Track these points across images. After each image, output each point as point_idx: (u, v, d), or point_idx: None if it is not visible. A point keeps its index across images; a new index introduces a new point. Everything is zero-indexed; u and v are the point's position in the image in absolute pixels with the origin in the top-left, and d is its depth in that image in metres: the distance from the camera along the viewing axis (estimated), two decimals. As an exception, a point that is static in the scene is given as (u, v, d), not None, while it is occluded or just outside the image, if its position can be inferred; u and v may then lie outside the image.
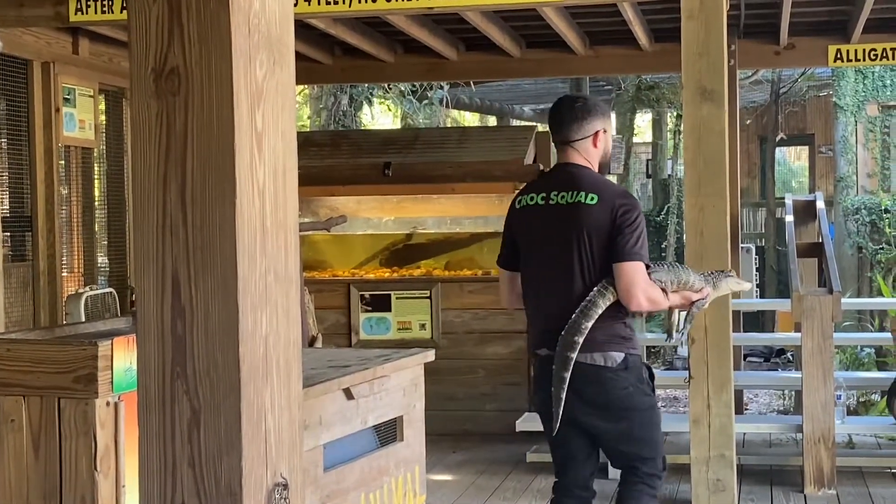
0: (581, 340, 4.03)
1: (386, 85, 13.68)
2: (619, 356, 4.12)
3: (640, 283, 4.02)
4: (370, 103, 14.55)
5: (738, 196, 8.67)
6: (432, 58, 8.85)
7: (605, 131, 4.28)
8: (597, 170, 4.27)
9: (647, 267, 4.10)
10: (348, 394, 4.21)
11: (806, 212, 8.36)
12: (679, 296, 4.22)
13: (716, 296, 4.43)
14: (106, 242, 8.08)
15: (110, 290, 7.34)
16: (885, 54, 8.38)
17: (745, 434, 7.47)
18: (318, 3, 5.84)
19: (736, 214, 8.32)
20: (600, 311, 4.05)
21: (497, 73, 9.76)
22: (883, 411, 7.95)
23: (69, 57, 7.47)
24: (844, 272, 13.52)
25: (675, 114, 16.77)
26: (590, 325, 4.03)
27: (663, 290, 4.13)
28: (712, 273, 4.45)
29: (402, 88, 14.32)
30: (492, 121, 20.13)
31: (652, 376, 4.29)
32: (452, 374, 8.10)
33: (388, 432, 4.61)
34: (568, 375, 4.04)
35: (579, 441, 4.29)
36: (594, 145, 4.25)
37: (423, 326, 8.31)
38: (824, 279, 7.06)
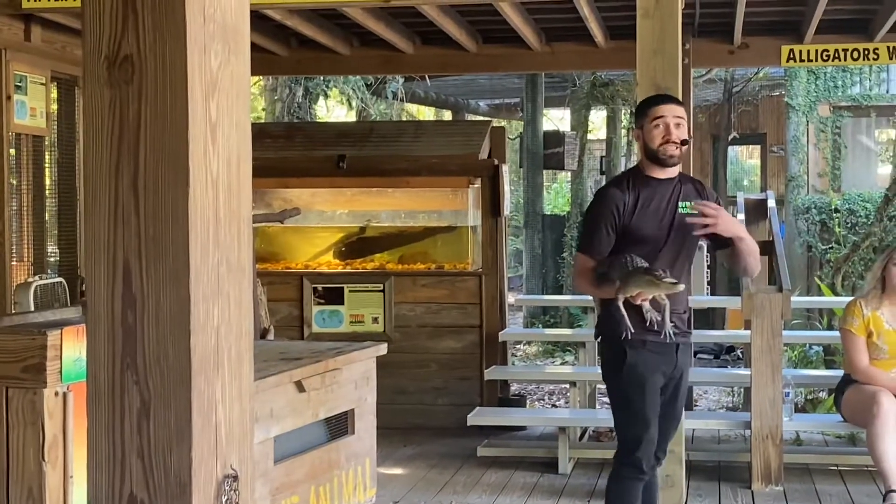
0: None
1: (342, 78, 13.64)
2: (596, 332, 4.63)
3: (574, 271, 4.64)
4: (326, 96, 14.50)
5: (691, 194, 8.70)
6: (388, 51, 8.84)
7: (642, 128, 4.51)
8: (645, 165, 4.53)
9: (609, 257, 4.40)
10: (300, 386, 4.20)
11: (757, 210, 8.42)
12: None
13: (627, 294, 4.24)
14: (56, 232, 7.99)
15: (60, 279, 7.26)
16: (837, 55, 8.47)
17: (693, 430, 7.52)
18: (275, -6, 5.81)
19: (688, 212, 8.34)
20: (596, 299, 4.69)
21: (453, 67, 9.75)
22: (830, 409, 8.02)
23: (21, 44, 7.37)
24: (794, 271, 13.64)
25: (629, 111, 16.82)
26: (596, 307, 4.68)
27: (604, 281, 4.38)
28: (631, 270, 4.24)
29: (358, 81, 14.28)
30: (447, 115, 20.12)
31: (623, 361, 4.43)
32: (405, 367, 8.10)
33: (339, 425, 4.61)
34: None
35: None
36: (637, 142, 4.64)
37: (375, 320, 8.30)
38: (774, 277, 7.12)
